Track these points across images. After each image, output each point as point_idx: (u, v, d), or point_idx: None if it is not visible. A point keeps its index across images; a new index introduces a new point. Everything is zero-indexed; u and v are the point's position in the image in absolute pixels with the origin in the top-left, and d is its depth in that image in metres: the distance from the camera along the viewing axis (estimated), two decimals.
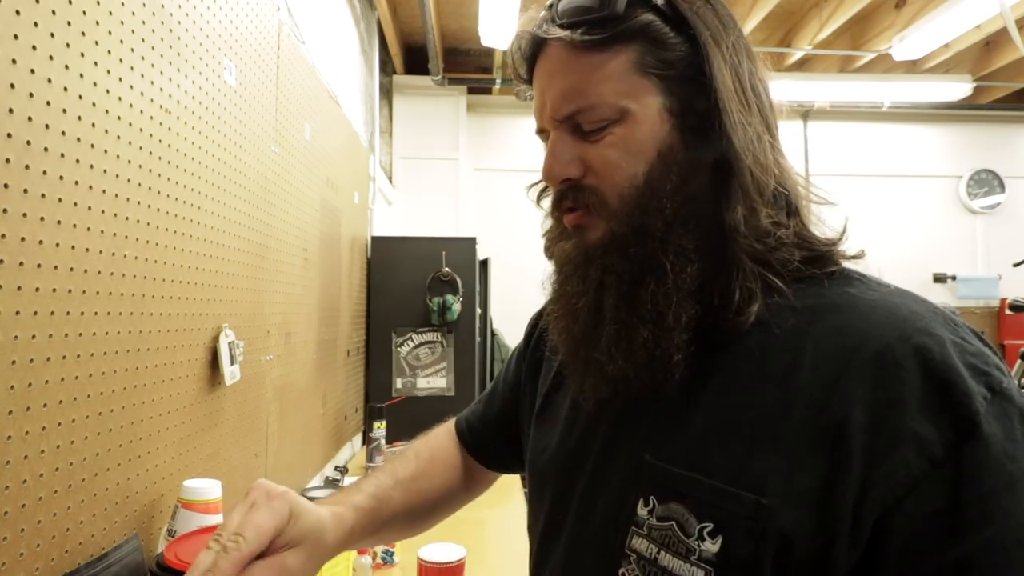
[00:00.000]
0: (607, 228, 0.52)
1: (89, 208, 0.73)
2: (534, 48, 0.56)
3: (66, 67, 0.69)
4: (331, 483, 1.80)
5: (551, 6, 0.54)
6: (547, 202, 0.63)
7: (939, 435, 0.40)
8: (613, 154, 0.51)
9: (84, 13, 0.72)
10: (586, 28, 0.50)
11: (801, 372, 0.45)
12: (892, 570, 0.40)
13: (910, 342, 0.42)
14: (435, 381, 2.52)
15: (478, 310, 2.65)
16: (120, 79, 0.79)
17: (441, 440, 0.81)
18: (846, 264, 0.53)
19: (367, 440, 2.07)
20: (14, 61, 0.61)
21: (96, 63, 0.74)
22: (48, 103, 0.66)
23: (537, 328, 0.75)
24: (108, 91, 0.77)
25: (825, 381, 0.44)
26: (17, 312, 0.62)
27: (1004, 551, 0.38)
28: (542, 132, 0.57)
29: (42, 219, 0.66)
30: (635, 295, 0.50)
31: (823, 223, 0.54)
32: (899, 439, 0.40)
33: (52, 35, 0.67)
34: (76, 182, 0.71)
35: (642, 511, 0.48)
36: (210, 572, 0.46)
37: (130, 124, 0.82)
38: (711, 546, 0.44)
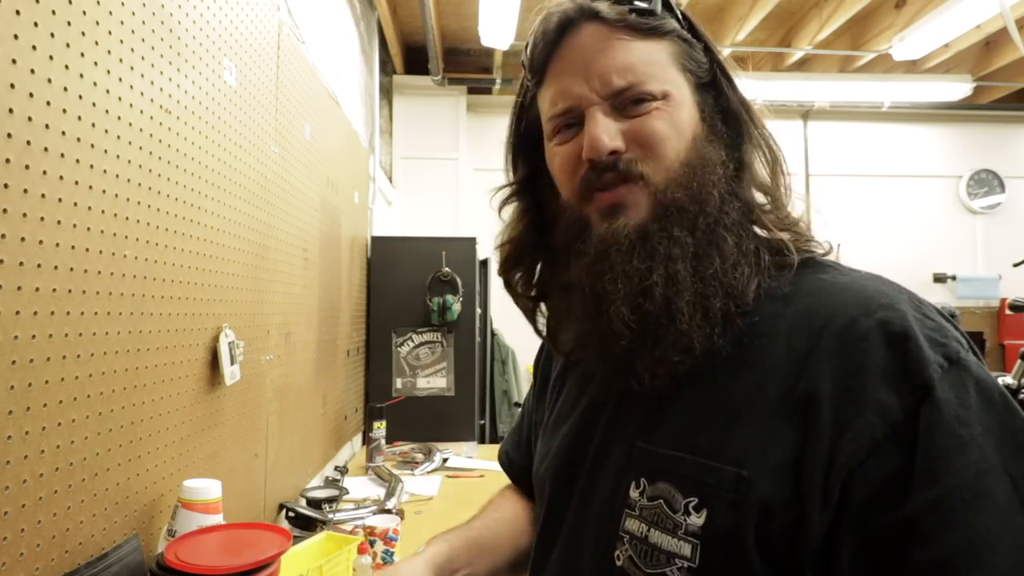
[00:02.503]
0: (654, 202, 0.52)
1: (89, 208, 0.73)
2: (563, 28, 0.55)
3: (66, 67, 0.69)
4: (331, 483, 1.80)
5: None
6: (508, 211, 0.65)
7: (899, 401, 0.42)
8: (662, 126, 0.52)
9: (84, 13, 0.72)
10: (637, 13, 0.53)
11: (775, 352, 0.48)
12: (852, 529, 0.42)
13: (874, 317, 0.45)
14: (435, 381, 2.52)
15: (478, 310, 2.65)
16: (120, 79, 0.79)
17: (505, 494, 0.81)
18: (820, 256, 0.56)
19: (367, 440, 2.07)
20: (14, 61, 0.61)
21: (96, 63, 0.74)
22: (48, 103, 0.66)
23: (544, 349, 0.77)
24: (108, 91, 0.77)
25: (797, 358, 0.46)
26: (17, 312, 0.62)
27: (949, 510, 0.39)
28: (564, 114, 0.55)
29: (42, 219, 0.66)
30: (704, 267, 0.50)
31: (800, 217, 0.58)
32: (863, 406, 0.42)
33: (52, 35, 0.67)
34: (76, 182, 0.71)
35: (634, 493, 0.50)
36: None
37: (130, 124, 0.82)
38: (696, 520, 0.46)
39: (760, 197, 0.55)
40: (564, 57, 0.55)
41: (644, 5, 0.53)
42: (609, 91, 0.52)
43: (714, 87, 0.56)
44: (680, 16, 0.56)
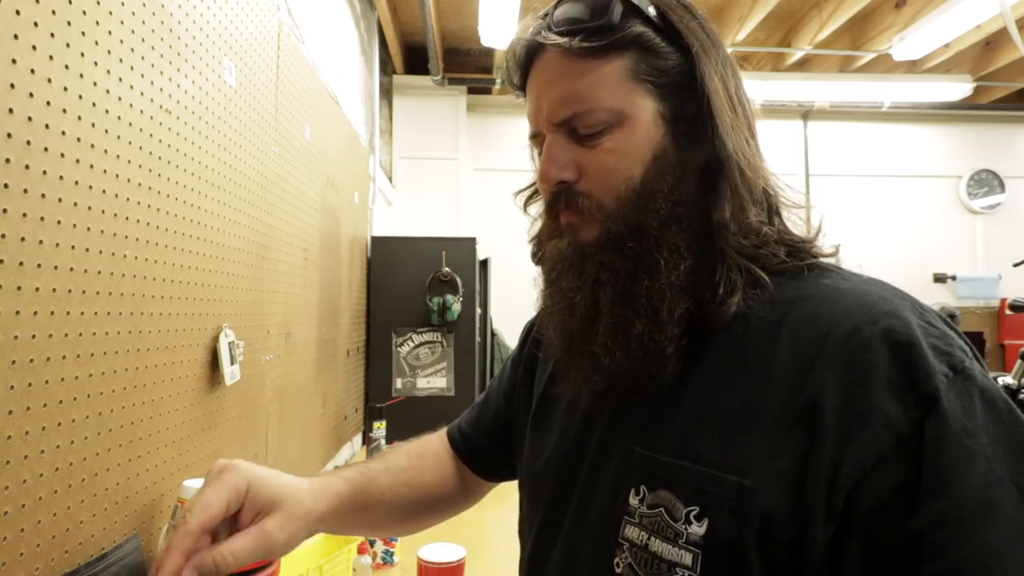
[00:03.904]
0: (603, 228, 0.53)
1: (89, 208, 0.73)
2: (529, 54, 0.57)
3: (66, 67, 0.69)
4: None
5: (546, 15, 0.56)
6: (535, 208, 0.65)
7: (905, 412, 0.41)
8: (610, 159, 0.53)
9: (84, 13, 0.72)
10: (583, 36, 0.52)
11: (778, 359, 0.47)
12: (858, 541, 0.41)
13: (878, 325, 0.45)
14: (435, 381, 2.52)
15: (478, 310, 2.65)
16: (120, 79, 0.79)
17: (433, 445, 0.81)
18: (823, 260, 0.55)
19: (367, 440, 2.06)
20: (14, 61, 0.61)
21: (96, 63, 0.74)
22: (48, 103, 0.66)
23: (531, 333, 0.76)
24: (108, 91, 0.77)
25: (800, 366, 0.46)
26: (17, 312, 0.62)
27: (957, 522, 0.39)
28: (536, 137, 0.58)
29: (42, 219, 0.66)
30: (630, 290, 0.51)
31: (800, 222, 0.57)
32: (868, 417, 0.42)
33: (52, 35, 0.67)
34: (76, 182, 0.71)
35: (633, 500, 0.50)
36: (165, 551, 0.48)
37: (130, 124, 0.82)
38: (698, 529, 0.45)
39: (756, 193, 0.53)
40: (531, 82, 0.57)
41: (597, 23, 0.52)
42: (557, 120, 0.54)
43: (687, 87, 0.53)
44: (650, 15, 0.53)
